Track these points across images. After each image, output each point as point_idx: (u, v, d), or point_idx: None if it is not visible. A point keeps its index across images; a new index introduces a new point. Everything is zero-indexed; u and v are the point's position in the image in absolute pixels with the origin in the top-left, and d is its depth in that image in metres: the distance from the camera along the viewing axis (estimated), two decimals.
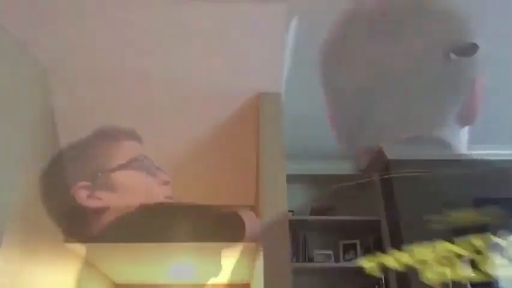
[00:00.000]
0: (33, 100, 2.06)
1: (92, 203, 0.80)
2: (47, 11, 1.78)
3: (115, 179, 0.83)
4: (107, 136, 0.92)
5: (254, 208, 2.95)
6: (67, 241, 2.64)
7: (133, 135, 0.92)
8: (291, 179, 2.21)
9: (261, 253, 2.27)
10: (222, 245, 2.98)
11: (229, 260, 3.21)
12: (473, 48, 2.29)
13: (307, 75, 2.44)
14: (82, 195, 0.81)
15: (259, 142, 2.23)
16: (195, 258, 2.86)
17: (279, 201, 2.29)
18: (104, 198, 0.81)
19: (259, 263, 2.49)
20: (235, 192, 2.59)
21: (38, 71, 2.04)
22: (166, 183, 0.86)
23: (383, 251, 2.88)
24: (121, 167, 0.83)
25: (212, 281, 3.45)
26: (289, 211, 2.59)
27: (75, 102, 2.18)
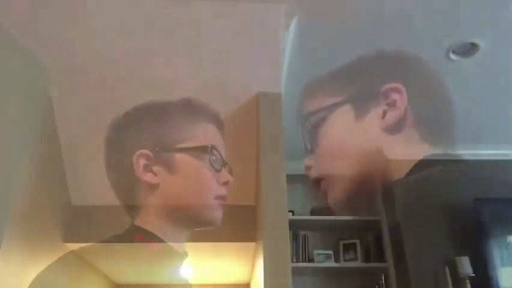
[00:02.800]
0: (33, 100, 2.05)
1: (146, 176, 0.75)
2: (47, 11, 1.77)
3: (178, 160, 0.77)
4: (193, 109, 0.85)
5: (254, 208, 2.95)
6: (66, 241, 2.64)
7: (216, 120, 0.85)
8: (291, 179, 2.21)
9: (261, 253, 2.27)
10: (222, 245, 2.99)
11: (229, 260, 3.22)
12: (473, 48, 2.29)
13: (307, 75, 2.44)
14: (140, 164, 0.75)
15: (259, 142, 2.22)
16: (195, 258, 2.86)
17: (279, 201, 2.28)
18: (159, 176, 0.76)
19: (259, 263, 2.49)
20: (235, 192, 2.58)
21: (38, 71, 2.04)
22: (225, 183, 0.80)
23: (382, 250, 2.86)
24: (189, 151, 0.77)
25: (212, 281, 3.45)
26: (289, 211, 2.59)
27: (75, 102, 2.18)
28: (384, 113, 0.68)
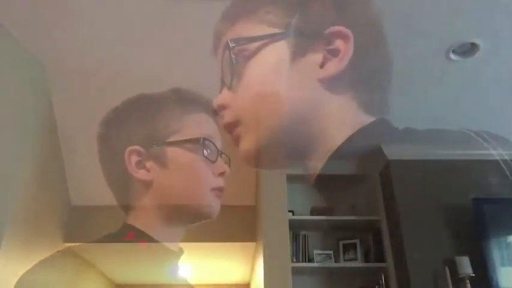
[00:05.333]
0: (33, 100, 2.06)
1: (138, 173, 0.72)
2: (47, 11, 1.77)
3: (170, 154, 0.74)
4: (184, 99, 0.82)
5: (254, 208, 2.96)
6: (66, 241, 2.64)
7: (210, 108, 0.81)
8: (291, 179, 2.21)
9: (261, 253, 2.28)
10: (222, 245, 2.99)
11: (229, 260, 3.22)
12: (473, 48, 2.28)
13: None
14: (132, 161, 0.72)
15: None
16: (195, 258, 2.86)
17: (279, 201, 2.29)
18: (152, 172, 0.73)
19: (259, 263, 2.49)
20: (235, 192, 2.59)
21: (38, 71, 2.04)
22: (221, 174, 0.76)
23: (382, 250, 2.84)
24: (181, 143, 0.74)
25: (212, 281, 3.45)
26: (289, 211, 2.59)
27: (75, 102, 2.18)
28: (324, 61, 0.56)
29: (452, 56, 2.17)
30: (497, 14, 1.98)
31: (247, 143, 0.60)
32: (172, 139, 0.77)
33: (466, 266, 2.18)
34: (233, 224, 2.66)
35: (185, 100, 0.84)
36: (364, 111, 0.58)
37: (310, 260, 2.73)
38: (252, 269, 3.12)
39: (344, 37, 0.56)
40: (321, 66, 0.56)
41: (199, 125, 0.80)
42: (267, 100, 0.58)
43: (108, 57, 1.98)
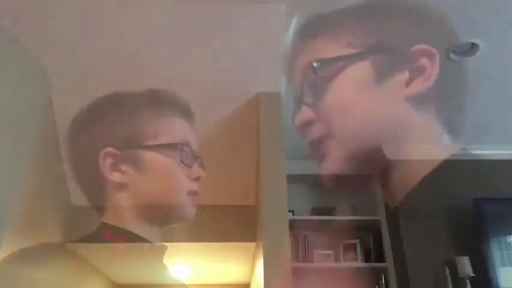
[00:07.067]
0: (33, 100, 2.05)
1: (112, 176, 0.72)
2: (47, 11, 1.78)
3: (147, 158, 0.74)
4: (160, 101, 0.82)
5: (254, 208, 2.96)
6: (66, 241, 2.64)
7: (186, 111, 0.81)
8: (291, 179, 2.21)
9: (261, 253, 2.27)
10: (222, 245, 2.99)
11: (229, 260, 3.22)
12: (473, 48, 2.29)
13: None
14: (106, 163, 0.72)
15: (259, 142, 2.22)
16: (195, 258, 2.86)
17: (279, 201, 2.28)
18: (127, 175, 0.73)
19: (259, 263, 2.49)
20: (235, 192, 2.59)
21: (38, 71, 2.04)
22: (197, 178, 0.77)
23: (382, 250, 2.86)
24: (158, 148, 0.74)
25: (212, 281, 3.45)
26: (289, 211, 2.59)
27: (75, 102, 2.18)
28: (410, 80, 0.56)
29: (452, 56, 2.17)
30: (497, 14, 1.98)
31: (332, 162, 0.61)
32: (148, 143, 0.76)
33: (466, 266, 2.19)
34: (233, 224, 2.65)
35: (162, 102, 0.83)
36: (446, 130, 0.60)
37: (311, 260, 2.73)
38: (252, 269, 3.11)
39: (429, 55, 0.57)
40: (407, 84, 0.56)
41: (176, 129, 0.79)
42: (352, 118, 0.57)
43: (109, 58, 1.98)
